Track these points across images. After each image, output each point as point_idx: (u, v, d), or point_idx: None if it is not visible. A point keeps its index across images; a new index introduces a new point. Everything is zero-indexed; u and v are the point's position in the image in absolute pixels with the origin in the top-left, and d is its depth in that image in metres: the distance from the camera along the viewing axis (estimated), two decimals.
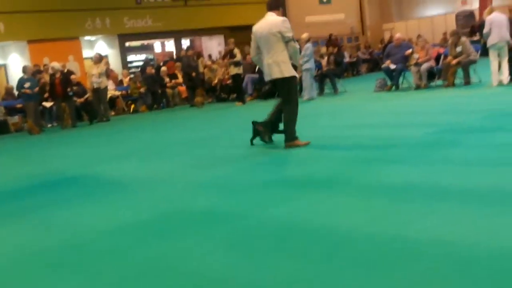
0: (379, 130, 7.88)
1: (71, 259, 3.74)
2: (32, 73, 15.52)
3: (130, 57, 22.27)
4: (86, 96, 16.13)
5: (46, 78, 15.85)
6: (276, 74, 7.00)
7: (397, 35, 14.96)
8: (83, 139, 12.23)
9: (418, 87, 13.33)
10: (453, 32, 13.54)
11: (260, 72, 17.04)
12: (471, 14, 25.34)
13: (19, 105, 15.72)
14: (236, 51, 15.78)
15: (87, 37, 20.85)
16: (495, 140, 6.10)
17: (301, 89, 13.69)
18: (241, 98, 15.93)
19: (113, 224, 4.48)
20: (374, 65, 24.34)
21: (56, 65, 15.26)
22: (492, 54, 11.46)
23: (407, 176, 4.92)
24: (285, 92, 7.18)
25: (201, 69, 18.60)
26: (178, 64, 18.66)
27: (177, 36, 22.91)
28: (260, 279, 2.99)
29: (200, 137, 9.68)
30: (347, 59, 22.58)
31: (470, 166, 5.00)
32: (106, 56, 20.18)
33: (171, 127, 12.33)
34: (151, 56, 23.00)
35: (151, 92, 18.02)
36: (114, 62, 20.97)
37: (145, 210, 4.82)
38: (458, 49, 12.65)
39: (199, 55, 20.24)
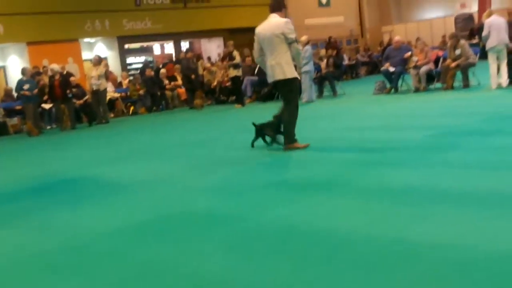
0: (378, 132, 7.89)
1: (70, 260, 3.74)
2: (31, 75, 15.53)
3: (130, 59, 22.26)
4: (85, 98, 16.13)
5: (45, 80, 15.85)
6: (279, 76, 7.01)
7: (396, 37, 14.98)
8: (82, 141, 12.23)
9: (417, 90, 13.35)
10: (452, 35, 13.56)
11: (259, 74, 17.08)
12: (470, 17, 25.40)
13: (18, 107, 15.71)
14: (235, 53, 15.79)
15: (86, 39, 20.85)
16: (494, 143, 6.11)
17: (300, 92, 13.69)
18: (240, 100, 15.94)
19: (113, 225, 4.48)
20: (373, 67, 24.37)
21: (55, 67, 15.27)
22: (491, 57, 11.48)
23: (407, 178, 4.92)
24: (287, 93, 7.18)
25: (200, 71, 18.60)
26: (177, 66, 18.68)
27: (176, 38, 22.92)
28: (260, 281, 2.99)
29: (200, 139, 9.68)
30: (346, 61, 22.59)
31: (469, 169, 5.01)
32: (105, 58, 20.21)
33: (171, 129, 12.34)
34: (150, 58, 23.00)
35: (151, 94, 18.03)
36: (114, 64, 20.98)
37: (144, 212, 4.83)
38: (457, 52, 12.66)
39: (199, 57, 20.25)
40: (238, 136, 9.48)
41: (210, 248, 3.64)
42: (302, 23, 24.17)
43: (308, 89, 14.19)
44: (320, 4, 27.51)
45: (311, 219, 4.01)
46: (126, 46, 21.88)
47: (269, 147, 7.54)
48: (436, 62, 13.70)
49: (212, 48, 24.61)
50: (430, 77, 13.49)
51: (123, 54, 21.59)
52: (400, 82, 14.03)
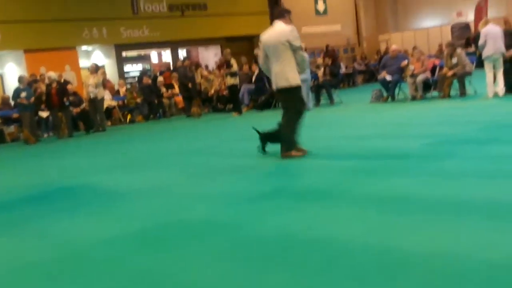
0: (375, 141, 7.90)
1: (68, 268, 3.73)
2: (28, 83, 15.53)
3: (127, 67, 22.30)
4: (82, 106, 16.14)
5: (42, 87, 15.85)
6: (283, 83, 7.02)
7: (393, 46, 15.05)
8: (80, 149, 12.22)
9: (414, 99, 13.40)
10: (448, 43, 13.62)
11: (257, 82, 17.15)
12: (466, 26, 25.53)
13: (15, 115, 15.70)
14: (233, 61, 15.82)
15: (84, 47, 20.88)
16: (491, 151, 6.13)
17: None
18: (237, 109, 15.96)
19: (111, 233, 4.48)
20: (370, 76, 24.47)
21: (52, 74, 15.28)
22: (487, 66, 11.52)
23: (404, 187, 4.93)
24: (288, 101, 7.18)
25: (198, 80, 18.65)
26: (174, 74, 18.70)
27: (173, 46, 22.98)
28: None
29: (197, 147, 9.68)
30: (343, 70, 22.66)
31: (465, 178, 5.01)
32: (102, 66, 20.23)
33: (168, 137, 12.34)
34: (148, 66, 23.03)
35: (148, 102, 18.05)
36: (111, 72, 21.00)
37: (142, 220, 4.82)
38: (454, 60, 12.71)
39: (198, 65, 20.31)
40: (236, 144, 9.49)
41: (208, 256, 3.64)
42: (299, 31, 24.11)
43: (305, 97, 14.16)
44: (317, 12, 27.64)
45: (309, 228, 4.01)
46: (124, 54, 21.91)
47: (266, 155, 7.53)
48: (433, 70, 13.76)
49: (210, 56, 24.66)
50: (427, 86, 13.55)
51: (121, 62, 21.62)
52: (397, 90, 14.08)
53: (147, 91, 17.96)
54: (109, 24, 20.45)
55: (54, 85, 14.97)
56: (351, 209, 4.42)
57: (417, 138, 7.47)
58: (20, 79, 15.02)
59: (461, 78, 12.67)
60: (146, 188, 6.36)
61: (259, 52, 7.45)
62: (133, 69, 22.64)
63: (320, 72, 16.34)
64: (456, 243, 3.33)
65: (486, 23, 11.92)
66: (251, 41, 23.37)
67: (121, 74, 21.29)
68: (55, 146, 13.45)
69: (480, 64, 12.68)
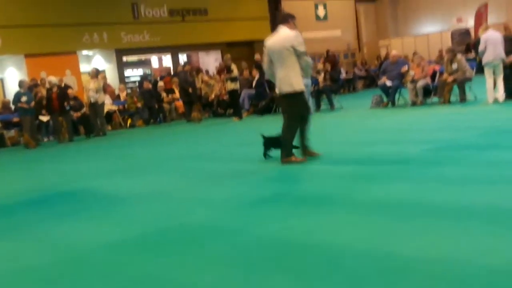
0: (375, 146, 7.90)
1: (67, 273, 3.73)
2: (29, 87, 15.55)
3: (127, 72, 22.32)
4: (83, 111, 16.16)
5: (43, 92, 15.87)
6: (287, 88, 7.03)
7: (393, 52, 15.07)
8: (80, 153, 12.22)
9: (414, 104, 13.41)
10: (449, 49, 13.64)
11: (257, 87, 17.17)
12: (466, 31, 25.58)
13: (15, 119, 15.71)
14: (233, 66, 15.84)
15: (84, 52, 20.91)
16: (491, 157, 6.13)
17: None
18: (238, 114, 15.97)
19: (111, 238, 4.48)
20: (370, 81, 24.49)
21: (53, 79, 15.31)
22: (487, 72, 11.53)
23: (404, 193, 4.93)
24: (292, 106, 7.19)
25: (199, 84, 18.67)
26: (175, 79, 18.72)
27: (174, 51, 23.01)
28: None
29: (198, 152, 9.69)
30: (343, 75, 22.68)
31: (465, 183, 5.02)
32: (103, 71, 20.23)
33: (168, 142, 12.35)
34: (148, 71, 23.05)
35: (148, 107, 18.07)
36: (111, 77, 21.01)
37: (142, 225, 4.82)
38: (454, 66, 12.73)
39: (199, 70, 20.35)
40: (236, 149, 9.50)
41: (208, 260, 3.64)
42: None
43: None
44: (318, 18, 27.69)
45: (310, 233, 4.01)
46: (124, 58, 21.94)
47: (266, 161, 7.54)
48: (433, 76, 13.77)
49: (210, 61, 24.69)
50: (427, 91, 13.55)
51: (121, 66, 21.64)
52: (397, 96, 14.09)
53: (148, 96, 17.98)
54: (110, 29, 20.48)
55: (55, 89, 14.99)
56: (351, 215, 4.42)
57: (417, 144, 7.47)
58: (21, 84, 15.03)
59: (461, 84, 12.68)
60: (147, 192, 6.37)
61: (264, 57, 7.46)
62: (134, 74, 22.66)
63: (321, 78, 16.36)
64: (456, 249, 3.34)
65: (486, 29, 11.94)
66: (252, 46, 23.41)
67: (122, 78, 21.31)
68: (55, 150, 13.46)
69: (480, 70, 12.69)
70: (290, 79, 6.97)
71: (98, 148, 12.77)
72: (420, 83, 13.27)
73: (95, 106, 15.45)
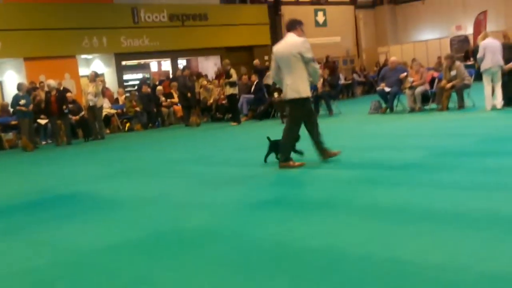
0: (374, 152, 7.91)
1: (63, 276, 3.72)
2: (27, 90, 15.54)
3: (126, 76, 22.30)
4: (81, 114, 16.16)
5: (41, 95, 15.87)
6: (293, 94, 7.05)
7: (392, 58, 15.08)
8: (78, 156, 12.21)
9: (412, 110, 13.42)
10: (447, 56, 13.65)
11: (256, 92, 17.19)
12: (465, 39, 25.65)
13: (13, 122, 15.70)
14: (232, 71, 15.86)
15: (83, 56, 20.91)
16: (489, 164, 6.14)
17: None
18: (236, 118, 15.98)
19: (107, 242, 4.47)
20: (369, 87, 24.51)
21: (52, 82, 15.30)
22: (486, 79, 11.55)
23: (401, 198, 4.94)
24: (296, 112, 7.20)
25: (198, 89, 18.68)
26: (174, 83, 18.73)
27: (173, 56, 23.01)
28: None
29: (196, 156, 9.69)
30: (342, 81, 22.70)
31: (463, 190, 5.02)
32: (102, 75, 20.23)
33: (166, 146, 12.34)
34: (147, 75, 23.05)
35: (147, 111, 18.07)
36: (110, 81, 21.00)
37: (139, 228, 4.81)
38: (453, 73, 12.74)
39: (199, 75, 20.38)
40: (234, 154, 9.50)
41: (207, 264, 3.63)
42: None
43: None
44: (317, 24, 27.74)
45: (309, 236, 4.01)
46: (123, 63, 21.94)
47: (264, 165, 7.54)
48: (432, 83, 13.78)
49: (209, 66, 24.72)
50: (426, 98, 13.57)
51: (120, 70, 21.63)
52: (395, 102, 14.11)
53: (146, 100, 17.99)
54: (110, 33, 20.48)
55: (54, 92, 14.99)
56: (350, 219, 4.43)
57: (415, 150, 7.48)
58: (19, 87, 15.02)
59: (460, 90, 12.69)
60: (144, 196, 6.36)
61: (271, 63, 7.48)
62: (133, 78, 22.65)
63: (319, 83, 16.36)
64: (454, 254, 3.34)
65: (485, 36, 11.97)
66: (251, 51, 23.44)
67: (121, 82, 21.29)
68: (53, 153, 13.44)
69: (478, 77, 12.70)
70: (298, 86, 7.00)
71: (96, 152, 12.76)
72: (419, 90, 13.29)
73: (94, 110, 15.45)
